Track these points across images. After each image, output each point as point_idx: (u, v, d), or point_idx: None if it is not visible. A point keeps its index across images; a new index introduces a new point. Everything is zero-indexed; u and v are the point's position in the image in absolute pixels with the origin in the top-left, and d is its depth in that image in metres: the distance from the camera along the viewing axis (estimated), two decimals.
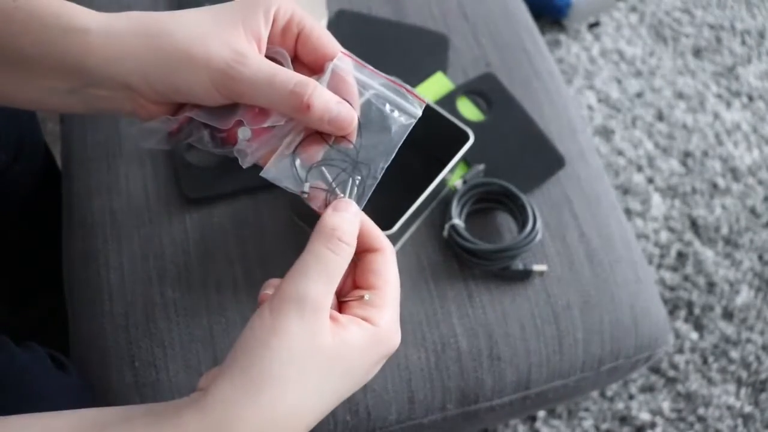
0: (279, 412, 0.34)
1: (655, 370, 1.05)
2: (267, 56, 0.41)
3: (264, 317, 0.35)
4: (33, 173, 0.72)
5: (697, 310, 1.10)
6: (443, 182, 0.62)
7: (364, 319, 0.38)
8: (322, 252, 0.36)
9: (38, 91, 0.41)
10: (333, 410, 0.59)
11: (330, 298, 0.36)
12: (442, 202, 0.67)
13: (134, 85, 0.40)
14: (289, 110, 0.40)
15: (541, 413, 0.99)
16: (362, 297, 0.39)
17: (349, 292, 0.41)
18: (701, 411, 1.03)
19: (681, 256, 1.15)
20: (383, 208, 0.66)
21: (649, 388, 1.03)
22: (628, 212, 1.18)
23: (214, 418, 0.33)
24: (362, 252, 0.40)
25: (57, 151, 0.78)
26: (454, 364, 0.62)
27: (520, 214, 0.65)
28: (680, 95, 1.32)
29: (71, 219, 0.67)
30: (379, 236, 0.41)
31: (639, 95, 1.31)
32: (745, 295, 1.12)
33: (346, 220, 0.38)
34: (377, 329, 0.38)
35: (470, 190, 0.65)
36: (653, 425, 1.01)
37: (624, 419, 1.01)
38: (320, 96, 0.40)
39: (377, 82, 0.44)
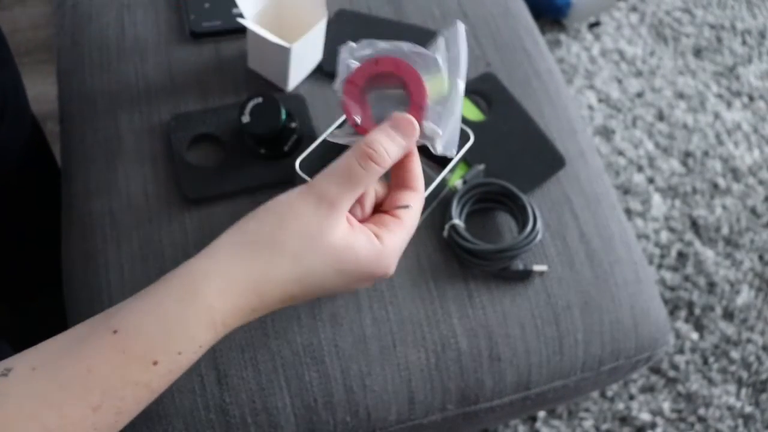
0: (270, 276, 0.38)
1: (656, 370, 1.05)
2: None
3: (289, 196, 0.40)
4: (19, 138, 0.72)
5: (697, 311, 1.10)
6: (443, 182, 0.62)
7: (376, 234, 0.42)
8: (351, 163, 0.40)
9: None
10: (333, 410, 0.59)
11: (348, 204, 0.40)
12: (442, 202, 0.67)
13: None
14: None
15: (542, 413, 0.99)
16: (384, 214, 0.44)
17: (372, 212, 0.45)
18: (702, 411, 1.02)
19: (681, 256, 1.15)
20: None
21: (649, 389, 1.03)
22: (628, 212, 1.18)
23: (220, 262, 0.38)
24: (398, 186, 0.45)
25: (57, 151, 0.78)
26: (454, 364, 0.62)
27: (520, 214, 0.65)
28: (681, 95, 1.32)
29: (70, 219, 0.67)
30: (417, 178, 0.45)
31: (639, 95, 1.31)
32: (745, 296, 1.12)
33: (388, 144, 0.41)
34: (382, 248, 0.41)
35: (470, 190, 0.65)
36: (653, 425, 1.01)
37: (624, 419, 1.01)
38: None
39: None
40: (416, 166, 0.45)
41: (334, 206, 0.39)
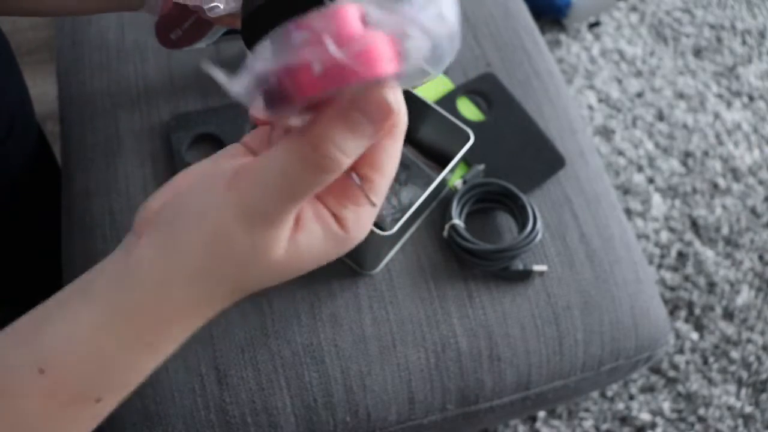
0: (210, 304, 0.32)
1: (656, 370, 1.05)
2: None
3: (216, 205, 0.30)
4: (26, 151, 0.72)
5: (697, 311, 1.10)
6: (443, 182, 0.62)
7: (338, 218, 0.32)
8: (293, 174, 0.28)
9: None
10: (333, 411, 0.59)
11: (291, 215, 0.30)
12: (442, 202, 0.67)
13: None
14: None
15: (542, 413, 0.99)
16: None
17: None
18: (702, 411, 1.02)
19: (681, 256, 1.15)
20: (383, 208, 0.66)
21: (649, 389, 1.03)
22: (628, 212, 1.18)
23: (149, 294, 0.31)
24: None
25: (57, 151, 0.78)
26: (454, 364, 0.62)
27: (520, 214, 0.65)
28: (681, 95, 1.32)
29: (71, 219, 0.67)
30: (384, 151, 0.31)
31: (639, 95, 1.31)
32: (745, 296, 1.12)
33: (346, 142, 0.28)
34: (344, 234, 0.32)
35: (470, 190, 0.65)
36: (653, 425, 1.01)
37: (624, 419, 1.01)
38: None
39: None
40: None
41: (275, 226, 0.29)
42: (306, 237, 0.31)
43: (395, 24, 0.24)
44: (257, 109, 0.27)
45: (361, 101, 0.27)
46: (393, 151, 0.31)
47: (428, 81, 0.29)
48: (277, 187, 0.28)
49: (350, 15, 0.24)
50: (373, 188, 0.31)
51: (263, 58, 0.24)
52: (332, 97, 0.26)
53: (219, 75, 0.25)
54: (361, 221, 0.32)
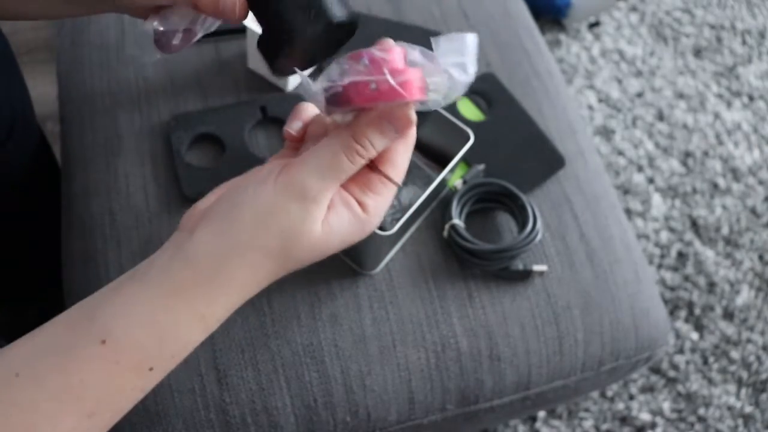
0: (256, 277, 0.38)
1: (656, 370, 1.05)
2: None
3: (267, 193, 0.37)
4: (27, 153, 0.72)
5: (697, 311, 1.10)
6: (443, 182, 0.62)
7: (360, 202, 0.39)
8: (337, 156, 0.38)
9: (45, 4, 0.48)
10: (333, 411, 0.59)
11: (331, 195, 0.38)
12: (442, 202, 0.67)
13: None
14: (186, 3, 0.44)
15: (542, 413, 0.99)
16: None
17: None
18: (702, 411, 1.02)
19: (681, 256, 1.15)
20: None
21: (649, 389, 1.03)
22: (628, 212, 1.18)
23: (203, 270, 0.37)
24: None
25: (57, 151, 0.78)
26: (454, 364, 0.62)
27: (520, 214, 0.65)
28: (681, 95, 1.32)
29: (70, 219, 0.67)
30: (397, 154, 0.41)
31: (639, 95, 1.31)
32: (745, 296, 1.12)
33: (377, 140, 0.38)
34: (366, 217, 0.39)
35: (470, 190, 0.65)
36: (653, 425, 1.01)
37: (624, 419, 1.01)
38: None
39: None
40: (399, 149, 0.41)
41: (317, 202, 0.37)
42: (337, 218, 0.38)
43: (429, 67, 0.36)
44: (294, 124, 0.42)
45: (391, 113, 0.38)
46: (405, 152, 0.41)
47: (436, 108, 0.39)
48: (327, 167, 0.37)
49: (400, 54, 0.36)
50: (386, 181, 0.40)
51: (335, 73, 0.36)
52: (372, 107, 0.37)
53: (305, 77, 0.37)
54: (379, 206, 0.40)
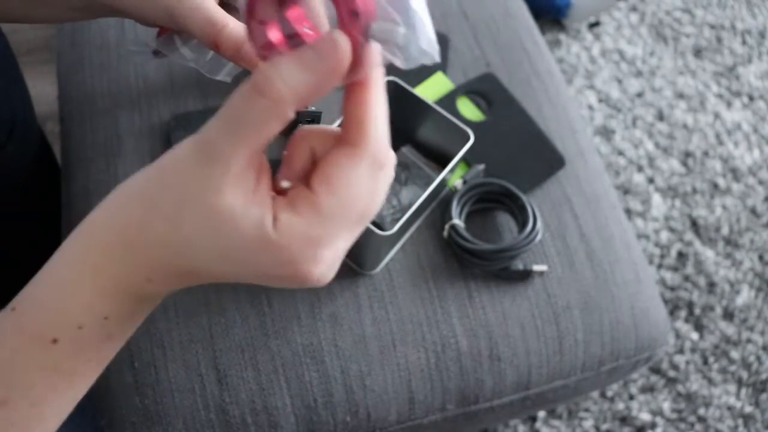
0: (144, 236, 0.31)
1: (656, 370, 1.05)
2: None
3: (176, 146, 0.31)
4: (27, 155, 0.72)
5: (697, 311, 1.10)
6: (443, 182, 0.62)
7: (274, 216, 0.30)
8: (235, 100, 0.29)
9: (53, 10, 0.49)
10: (333, 410, 0.59)
11: (238, 155, 0.29)
12: (442, 202, 0.67)
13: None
14: (207, 43, 0.44)
15: (542, 413, 0.99)
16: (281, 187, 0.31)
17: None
18: (701, 411, 1.02)
19: (681, 256, 1.15)
20: (384, 208, 0.66)
21: (649, 389, 1.03)
22: (628, 212, 1.18)
23: (94, 220, 0.32)
24: (340, 140, 0.31)
25: (57, 151, 0.78)
26: (454, 364, 0.62)
27: (520, 214, 0.65)
28: (681, 95, 1.32)
29: (70, 219, 0.67)
30: (364, 124, 0.30)
31: (639, 95, 1.31)
32: (745, 296, 1.12)
33: (289, 70, 0.28)
34: (270, 238, 0.29)
35: (470, 190, 0.65)
36: (653, 425, 1.01)
37: (624, 419, 1.01)
38: (228, 38, 0.44)
39: None
40: (367, 105, 0.30)
41: (214, 158, 0.29)
42: (244, 211, 0.29)
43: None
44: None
45: (317, 42, 0.28)
46: (347, 169, 0.29)
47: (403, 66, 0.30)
48: (225, 117, 0.29)
49: None
50: (314, 201, 0.29)
51: None
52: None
53: None
54: (296, 228, 0.29)
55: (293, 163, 0.31)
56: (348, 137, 0.30)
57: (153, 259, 0.31)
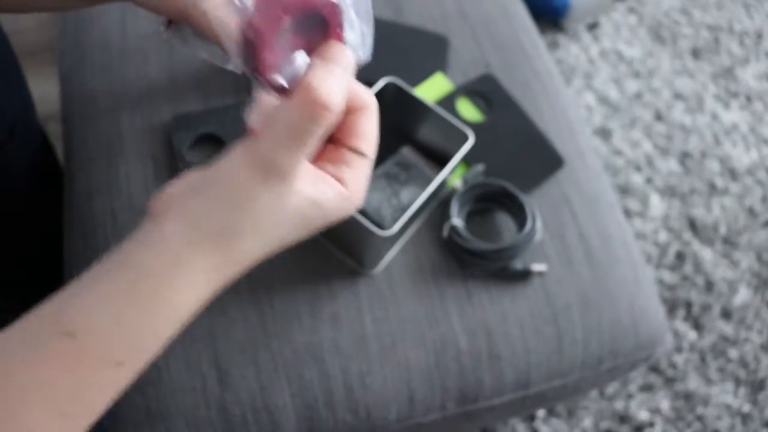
0: (235, 260, 0.36)
1: (654, 369, 1.05)
2: None
3: (233, 173, 0.35)
4: (28, 153, 0.73)
5: (695, 310, 1.10)
6: (443, 182, 0.63)
7: (338, 178, 0.37)
8: (297, 120, 0.34)
9: None
10: (333, 409, 0.59)
11: (301, 165, 0.35)
12: (442, 202, 0.67)
13: None
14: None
15: (541, 412, 1.00)
16: (342, 160, 0.38)
17: (328, 146, 0.39)
18: (700, 410, 1.03)
19: (680, 255, 1.15)
20: (383, 208, 0.66)
21: (648, 388, 1.04)
22: (626, 212, 1.18)
23: (174, 259, 0.35)
24: (344, 112, 0.38)
25: (59, 151, 0.78)
26: (454, 363, 0.62)
27: (519, 214, 0.65)
28: (679, 96, 1.32)
29: (72, 219, 0.67)
30: (362, 94, 0.38)
31: (637, 96, 1.32)
32: (743, 295, 1.12)
33: (332, 83, 0.34)
34: (349, 194, 0.37)
35: (470, 190, 0.66)
36: (652, 424, 1.01)
37: (623, 418, 1.01)
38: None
39: None
40: (354, 82, 0.38)
41: (286, 177, 0.34)
42: (314, 189, 0.36)
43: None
44: (252, 118, 0.37)
45: (322, 51, 0.35)
46: (368, 121, 0.38)
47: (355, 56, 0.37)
48: (288, 137, 0.34)
49: None
50: (360, 149, 0.38)
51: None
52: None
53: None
54: (356, 179, 0.38)
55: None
56: (358, 103, 0.38)
57: (240, 271, 0.37)
